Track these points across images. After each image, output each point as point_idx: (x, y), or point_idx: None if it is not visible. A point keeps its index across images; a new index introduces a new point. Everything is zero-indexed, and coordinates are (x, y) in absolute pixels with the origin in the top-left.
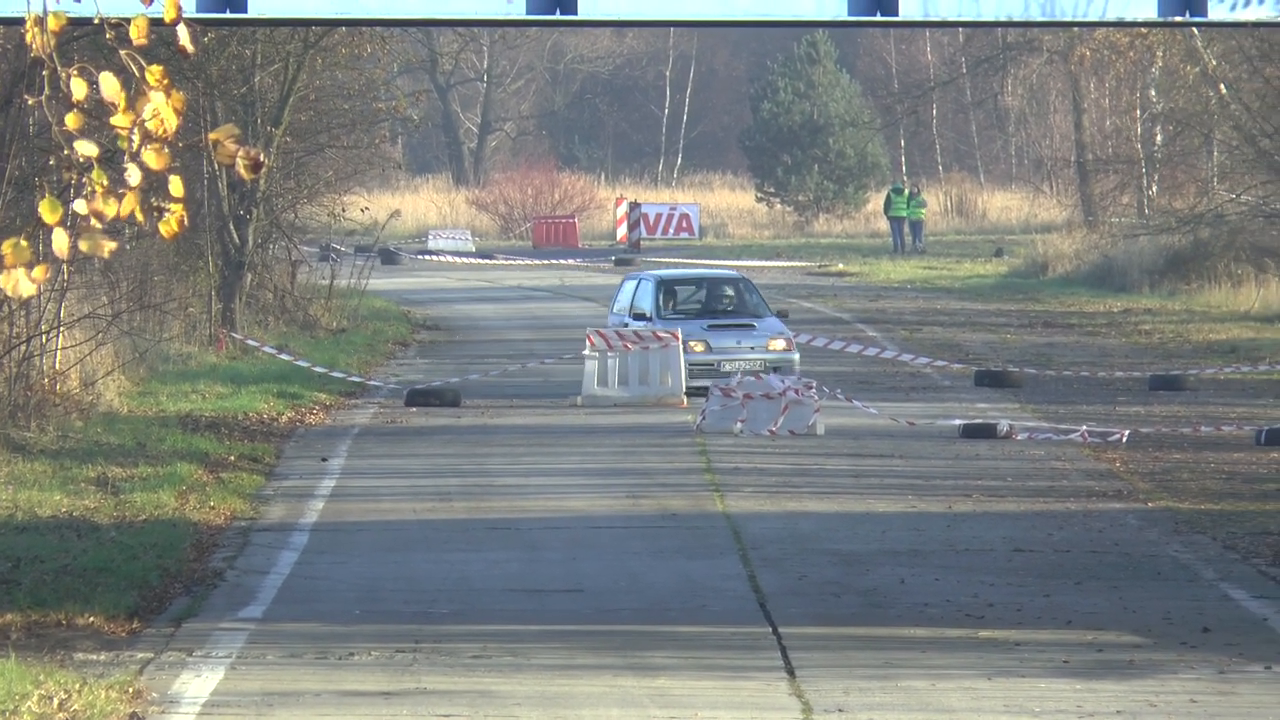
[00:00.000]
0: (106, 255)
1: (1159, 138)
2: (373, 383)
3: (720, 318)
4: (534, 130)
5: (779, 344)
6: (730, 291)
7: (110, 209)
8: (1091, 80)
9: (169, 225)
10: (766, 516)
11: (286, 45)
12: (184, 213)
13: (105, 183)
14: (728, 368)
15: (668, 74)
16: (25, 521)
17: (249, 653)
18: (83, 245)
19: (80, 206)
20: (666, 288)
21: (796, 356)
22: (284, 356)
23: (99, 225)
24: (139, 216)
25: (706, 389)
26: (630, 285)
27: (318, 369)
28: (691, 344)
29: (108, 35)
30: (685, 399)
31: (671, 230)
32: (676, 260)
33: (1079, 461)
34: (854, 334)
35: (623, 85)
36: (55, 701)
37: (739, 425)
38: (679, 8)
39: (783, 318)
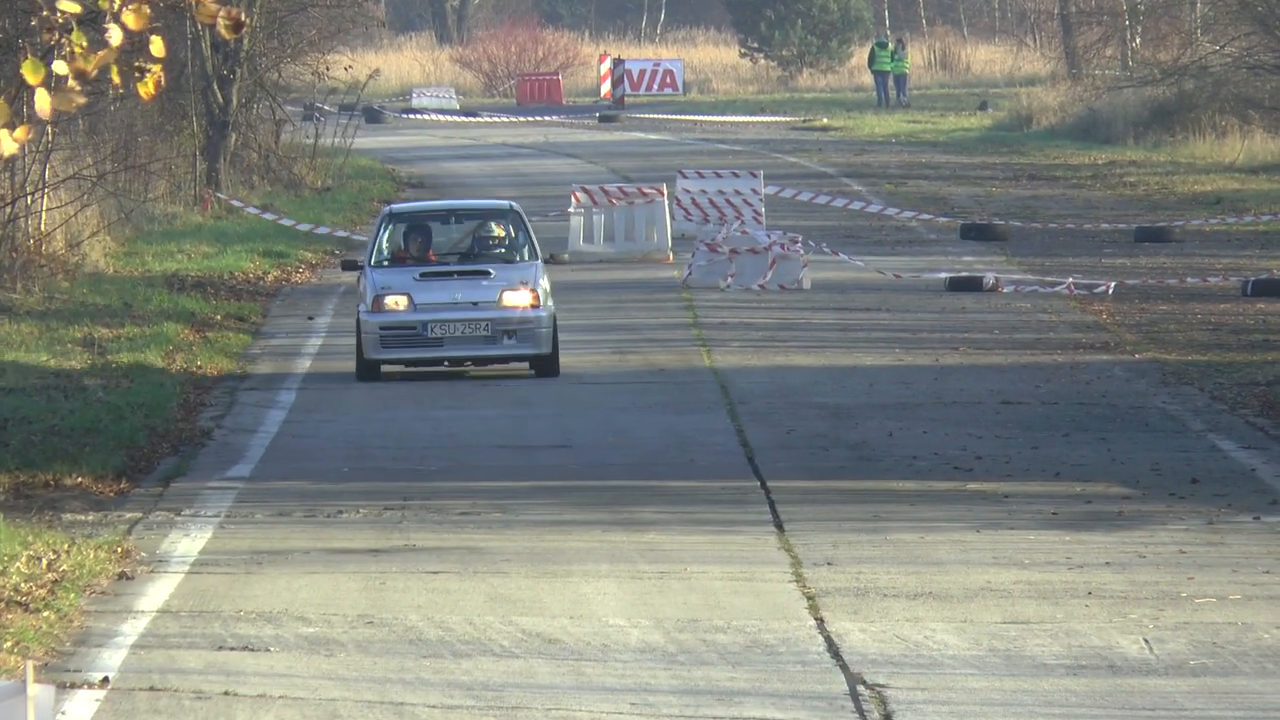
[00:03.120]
0: (73, 110)
1: None
2: (357, 238)
3: (456, 262)
4: None
5: (518, 297)
6: (487, 229)
7: (90, 66)
8: None
9: (146, 87)
10: (753, 371)
11: None
12: (161, 74)
13: (85, 43)
14: (437, 332)
15: None
16: (12, 383)
17: (237, 511)
18: (56, 103)
19: (60, 67)
20: (395, 225)
21: (544, 315)
22: (268, 216)
23: (77, 86)
24: (115, 78)
25: (407, 361)
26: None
27: (301, 227)
28: (389, 301)
29: None
30: (671, 254)
31: (655, 86)
32: (659, 117)
33: (1065, 314)
34: (839, 188)
35: None
36: (44, 562)
37: (727, 280)
38: None
39: (554, 262)
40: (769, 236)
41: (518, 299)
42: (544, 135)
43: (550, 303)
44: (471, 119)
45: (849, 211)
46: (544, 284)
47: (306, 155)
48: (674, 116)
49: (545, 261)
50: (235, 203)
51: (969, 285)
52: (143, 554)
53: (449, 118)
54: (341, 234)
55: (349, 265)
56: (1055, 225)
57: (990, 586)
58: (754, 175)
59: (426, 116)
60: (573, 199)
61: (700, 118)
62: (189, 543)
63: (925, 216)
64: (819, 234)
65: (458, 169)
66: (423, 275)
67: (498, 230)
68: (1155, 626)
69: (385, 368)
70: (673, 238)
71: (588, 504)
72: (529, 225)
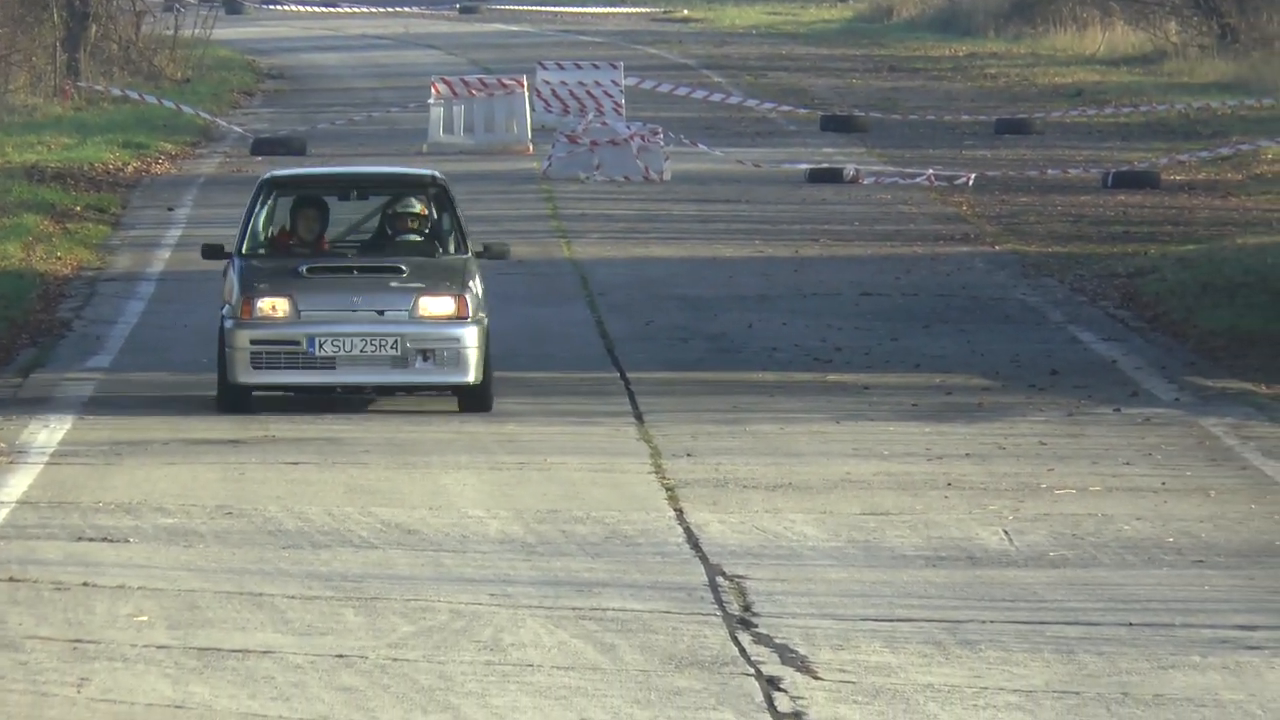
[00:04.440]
0: None
1: None
2: (219, 122)
3: (358, 254)
4: None
5: (439, 305)
6: (400, 207)
7: None
8: None
9: None
10: (613, 263)
11: None
12: None
13: None
14: (329, 349)
15: None
16: None
17: (96, 402)
18: None
19: None
20: (275, 198)
21: (473, 330)
22: (133, 95)
23: None
24: None
25: (286, 387)
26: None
27: (166, 102)
28: (264, 305)
29: None
30: (531, 145)
31: None
32: (519, 8)
33: (926, 205)
34: (699, 80)
35: None
36: None
37: (590, 172)
38: None
39: (498, 256)
40: (629, 128)
41: (439, 307)
42: (404, 26)
43: (483, 313)
44: (331, 9)
45: (709, 103)
46: (475, 287)
47: (167, 47)
48: (534, 8)
49: (478, 254)
50: (131, 94)
51: (829, 177)
52: (2, 445)
53: (308, 9)
54: (206, 115)
55: (211, 251)
56: (916, 117)
57: (850, 478)
58: (614, 67)
59: (286, 7)
60: (432, 90)
61: (560, 9)
62: (48, 434)
63: (785, 108)
64: (679, 126)
65: (318, 60)
66: (311, 271)
67: (415, 209)
68: (1015, 518)
69: (258, 394)
70: (533, 129)
71: (446, 395)
72: (456, 205)
